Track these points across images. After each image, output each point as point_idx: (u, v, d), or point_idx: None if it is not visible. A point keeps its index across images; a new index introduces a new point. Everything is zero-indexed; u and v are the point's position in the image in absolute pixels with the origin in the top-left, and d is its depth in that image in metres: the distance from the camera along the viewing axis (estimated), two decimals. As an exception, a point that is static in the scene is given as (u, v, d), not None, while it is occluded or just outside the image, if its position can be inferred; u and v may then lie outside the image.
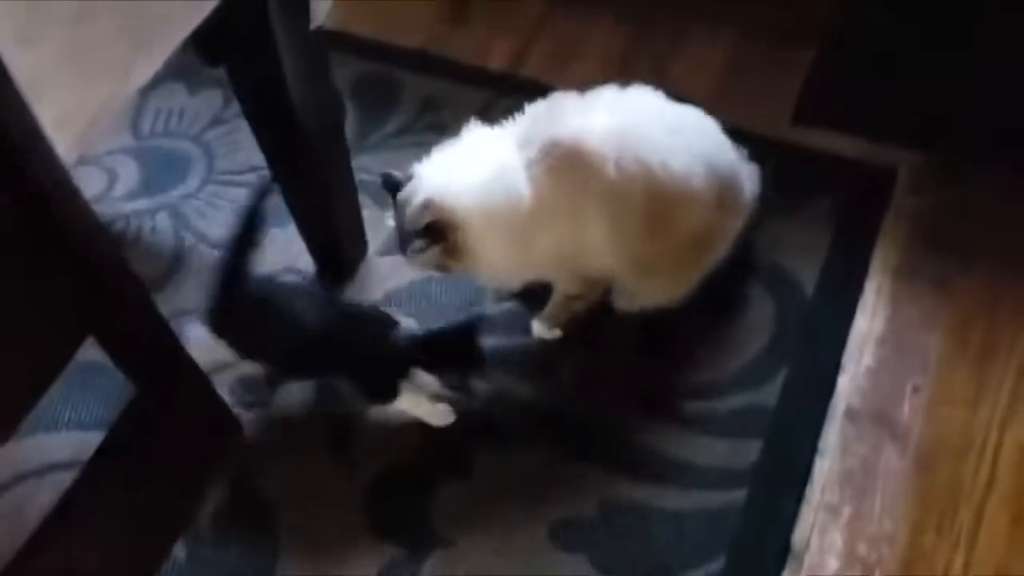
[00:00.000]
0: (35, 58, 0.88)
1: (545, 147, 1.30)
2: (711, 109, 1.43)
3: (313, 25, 1.31)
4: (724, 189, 1.38)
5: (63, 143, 0.94)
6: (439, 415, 1.42)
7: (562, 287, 1.47)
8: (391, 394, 1.39)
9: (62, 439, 1.42)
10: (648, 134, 1.32)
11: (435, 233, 1.31)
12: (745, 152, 1.46)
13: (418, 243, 1.32)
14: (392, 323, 1.40)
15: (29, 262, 0.91)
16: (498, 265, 1.38)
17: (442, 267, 1.36)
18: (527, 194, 1.30)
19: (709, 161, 1.35)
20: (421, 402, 1.41)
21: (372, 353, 1.37)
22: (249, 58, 1.30)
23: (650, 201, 1.31)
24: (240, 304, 1.36)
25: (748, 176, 1.45)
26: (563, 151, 1.30)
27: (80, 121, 0.95)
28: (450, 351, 1.37)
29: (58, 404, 1.44)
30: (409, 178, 1.35)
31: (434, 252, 1.33)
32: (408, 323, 1.47)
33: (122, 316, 1.01)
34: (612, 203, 1.31)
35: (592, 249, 1.36)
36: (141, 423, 1.10)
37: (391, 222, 1.39)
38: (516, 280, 1.46)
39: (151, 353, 1.07)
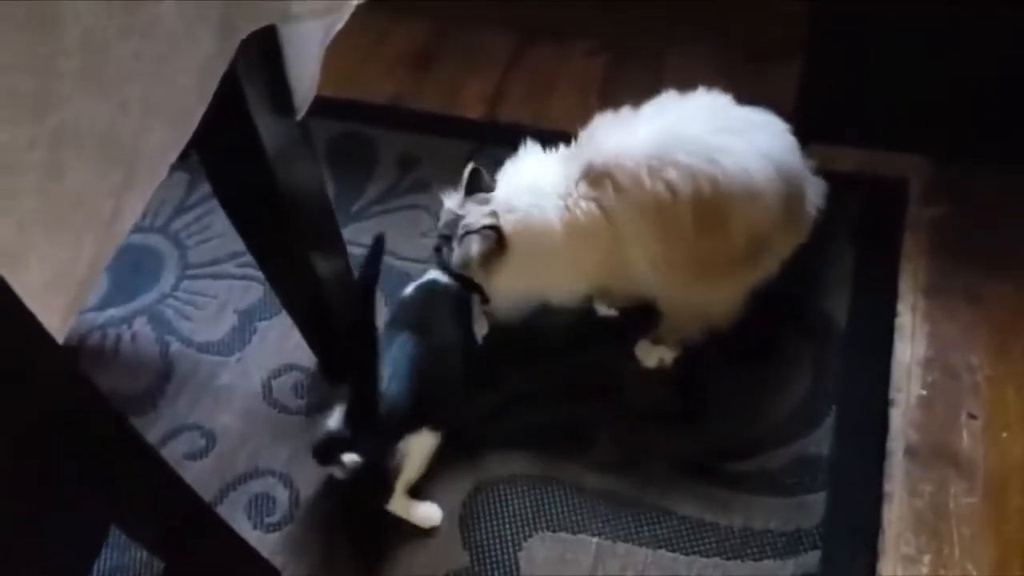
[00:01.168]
0: (11, 222, 0.76)
1: (582, 172, 1.30)
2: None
3: (300, 113, 1.20)
4: (790, 194, 1.30)
5: (59, 309, 0.83)
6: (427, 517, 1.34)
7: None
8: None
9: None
10: (693, 136, 1.27)
11: (492, 235, 1.33)
12: (812, 164, 1.37)
13: (477, 235, 1.34)
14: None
15: (41, 463, 0.79)
16: (511, 291, 1.41)
17: (473, 266, 1.37)
18: (559, 223, 1.31)
19: (776, 161, 1.28)
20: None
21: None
22: (230, 154, 1.19)
23: (700, 201, 1.25)
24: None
25: (813, 189, 1.36)
26: (597, 174, 1.29)
27: (74, 280, 0.84)
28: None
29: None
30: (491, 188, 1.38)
31: (480, 247, 1.34)
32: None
33: (140, 498, 0.90)
34: (655, 216, 1.27)
35: (635, 265, 1.33)
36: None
37: (449, 203, 1.40)
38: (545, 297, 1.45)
39: (177, 525, 0.96)
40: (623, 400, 1.43)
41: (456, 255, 1.38)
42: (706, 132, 1.27)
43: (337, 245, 1.44)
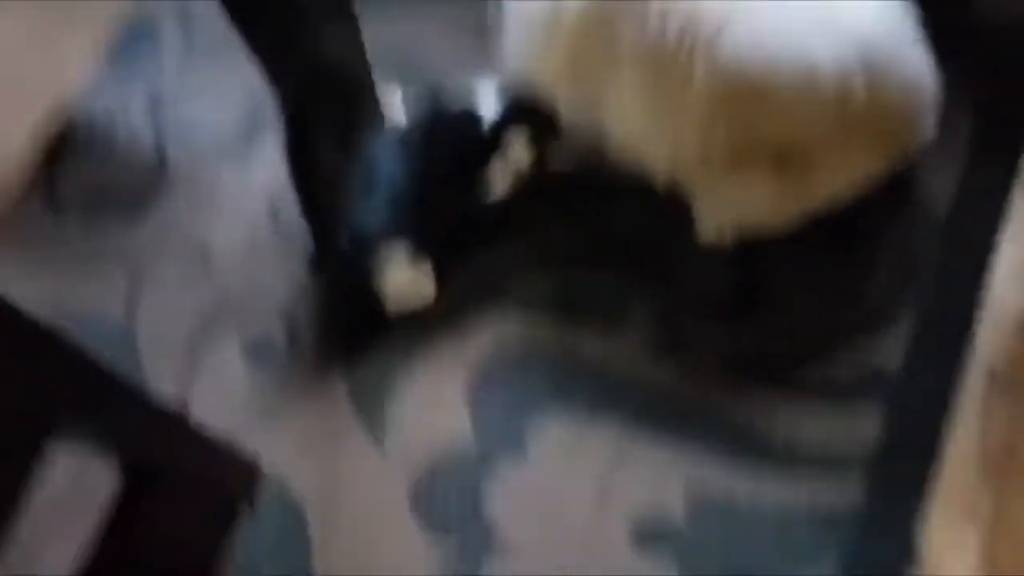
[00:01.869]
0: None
1: None
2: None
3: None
4: (870, 89, 1.03)
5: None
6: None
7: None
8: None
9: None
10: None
11: None
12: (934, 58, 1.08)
13: None
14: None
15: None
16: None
17: None
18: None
19: (844, 49, 1.02)
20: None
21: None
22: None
23: (715, 83, 1.04)
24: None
25: (928, 89, 1.09)
26: None
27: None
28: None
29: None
30: None
31: None
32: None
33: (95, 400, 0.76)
34: (655, 69, 1.06)
35: (622, 111, 1.13)
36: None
37: None
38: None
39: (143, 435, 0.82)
40: (671, 275, 1.24)
41: None
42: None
43: (353, 32, 1.21)
